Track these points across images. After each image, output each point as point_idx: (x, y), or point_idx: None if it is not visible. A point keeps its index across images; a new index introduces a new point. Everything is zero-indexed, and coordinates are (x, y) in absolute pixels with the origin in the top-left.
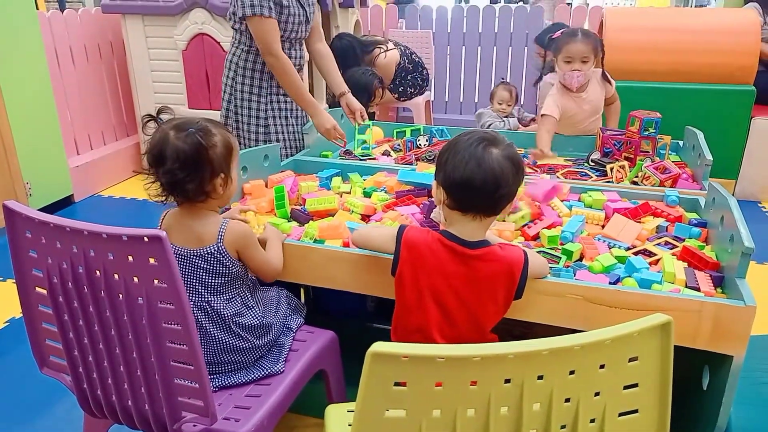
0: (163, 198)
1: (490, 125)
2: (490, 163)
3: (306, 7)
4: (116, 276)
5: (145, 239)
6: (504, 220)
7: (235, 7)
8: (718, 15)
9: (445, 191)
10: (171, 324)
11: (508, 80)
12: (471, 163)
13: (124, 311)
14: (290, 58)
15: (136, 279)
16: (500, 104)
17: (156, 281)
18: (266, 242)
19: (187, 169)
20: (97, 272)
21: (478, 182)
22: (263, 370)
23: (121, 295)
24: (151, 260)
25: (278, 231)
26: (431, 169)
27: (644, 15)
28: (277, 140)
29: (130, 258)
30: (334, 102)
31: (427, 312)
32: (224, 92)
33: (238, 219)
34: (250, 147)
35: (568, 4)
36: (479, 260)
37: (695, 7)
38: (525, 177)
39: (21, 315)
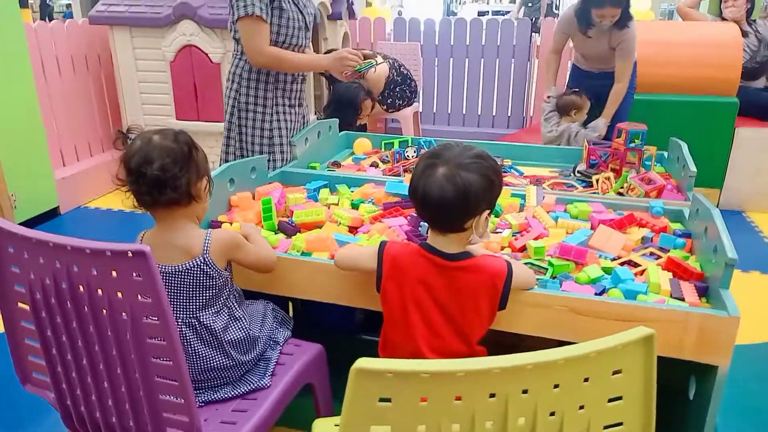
0: (145, 209)
1: (576, 134)
2: (432, 184)
3: (305, 14)
4: (100, 291)
5: (129, 254)
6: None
7: (233, 16)
8: (702, 29)
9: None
10: (155, 339)
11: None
12: (420, 182)
13: (107, 327)
14: None
15: (119, 294)
16: (575, 114)
17: (140, 296)
18: (248, 238)
19: (178, 165)
20: (81, 287)
21: (419, 201)
22: (249, 385)
23: (104, 311)
24: (135, 275)
25: (253, 225)
26: None
27: None
28: (281, 152)
29: (114, 273)
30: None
31: (412, 325)
32: (227, 104)
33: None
34: None
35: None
36: (461, 271)
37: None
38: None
39: (3, 330)
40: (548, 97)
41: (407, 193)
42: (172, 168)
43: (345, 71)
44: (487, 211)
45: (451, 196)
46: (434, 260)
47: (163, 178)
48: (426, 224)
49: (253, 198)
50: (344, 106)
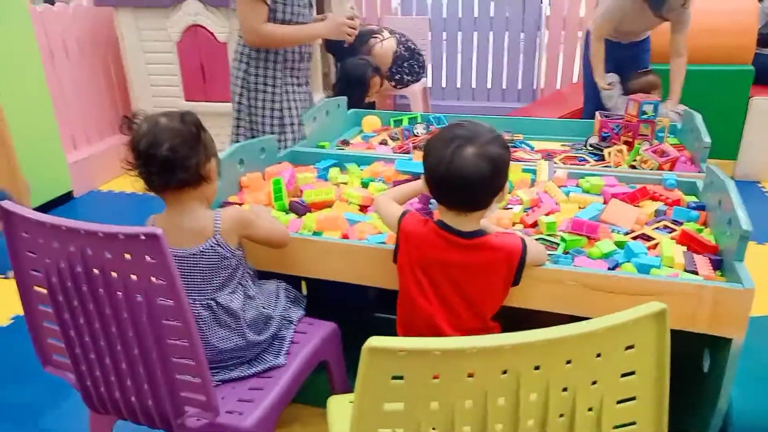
0: (155, 192)
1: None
2: (462, 163)
3: None
4: (114, 274)
5: (142, 237)
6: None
7: None
8: None
9: (427, 185)
10: (171, 321)
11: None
12: (443, 163)
13: (123, 309)
14: (300, 46)
15: (134, 277)
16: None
17: (154, 279)
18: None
19: (188, 146)
20: (95, 271)
21: (450, 182)
22: (265, 363)
23: (120, 293)
24: (148, 258)
25: (262, 207)
26: None
27: None
28: (292, 131)
29: (128, 256)
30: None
31: (428, 301)
32: (235, 85)
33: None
34: None
35: None
36: (475, 249)
37: None
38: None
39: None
40: (609, 84)
41: (429, 177)
42: (181, 149)
43: (347, 36)
44: (507, 186)
45: (489, 172)
46: (449, 238)
47: (172, 159)
48: (437, 203)
49: (263, 178)
50: (352, 83)
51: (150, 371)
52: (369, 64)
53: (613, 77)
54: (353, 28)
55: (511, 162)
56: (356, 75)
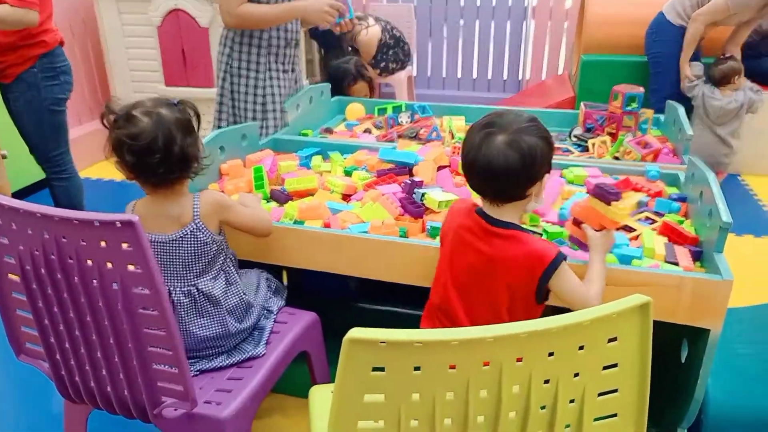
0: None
1: (754, 103)
2: (490, 151)
3: None
4: (89, 262)
5: (118, 224)
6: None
7: None
8: None
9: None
10: (147, 310)
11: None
12: (472, 149)
13: (98, 297)
14: (285, 31)
15: (109, 264)
16: (737, 79)
17: (130, 266)
18: (244, 205)
19: (192, 135)
20: (70, 258)
21: (477, 170)
22: (244, 353)
23: (95, 281)
24: (125, 245)
25: (251, 195)
26: (413, 146)
27: None
28: (275, 118)
29: (103, 243)
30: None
31: (448, 278)
32: (219, 69)
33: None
34: None
35: None
36: (499, 239)
37: None
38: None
39: None
40: (695, 75)
41: (462, 166)
42: (190, 139)
43: (324, 22)
44: (547, 175)
45: (517, 162)
46: (479, 222)
47: (186, 154)
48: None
49: (244, 166)
50: (334, 86)
51: (125, 361)
52: (350, 71)
53: (699, 67)
54: (334, 18)
55: (553, 150)
56: (336, 79)
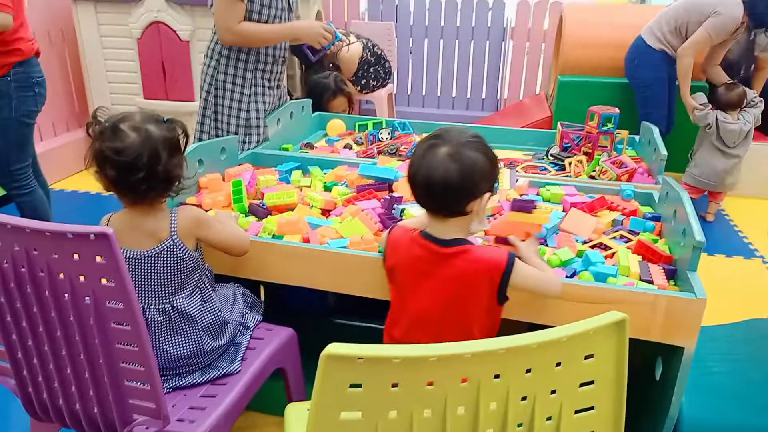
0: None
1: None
2: (435, 164)
3: None
4: (61, 275)
5: (92, 237)
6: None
7: None
8: None
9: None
10: (120, 324)
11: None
12: (416, 161)
13: (70, 311)
14: (275, 48)
15: (82, 278)
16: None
17: (104, 280)
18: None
19: (181, 157)
20: (41, 271)
21: (419, 182)
22: (219, 370)
23: (66, 295)
24: (98, 258)
25: (229, 213)
26: (392, 162)
27: (603, 11)
28: (257, 134)
29: (76, 256)
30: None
31: (410, 313)
32: (203, 81)
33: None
34: None
35: None
36: (455, 258)
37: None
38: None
39: None
40: (702, 104)
41: (407, 178)
42: (176, 158)
43: (317, 43)
44: (488, 194)
45: (456, 174)
46: (429, 247)
47: (170, 172)
48: (407, 208)
49: (223, 179)
50: (314, 101)
51: (96, 377)
52: (329, 87)
53: (702, 97)
54: (328, 40)
55: (496, 170)
56: (315, 94)
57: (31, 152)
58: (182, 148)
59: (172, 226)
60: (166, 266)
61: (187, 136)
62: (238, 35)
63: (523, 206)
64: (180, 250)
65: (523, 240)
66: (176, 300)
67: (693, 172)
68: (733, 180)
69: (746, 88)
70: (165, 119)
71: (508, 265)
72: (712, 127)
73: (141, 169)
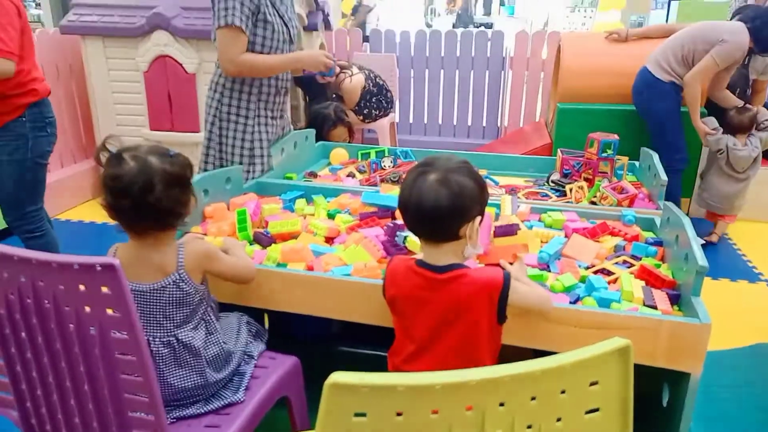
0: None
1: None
2: (426, 190)
3: (290, 26)
4: (67, 307)
5: (98, 268)
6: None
7: (214, 25)
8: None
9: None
10: (125, 355)
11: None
12: (406, 189)
13: (75, 342)
14: (276, 80)
15: (87, 309)
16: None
17: (109, 311)
18: (228, 251)
19: (180, 189)
20: (47, 303)
21: (410, 208)
22: (223, 400)
23: (71, 326)
24: (104, 289)
25: (235, 240)
26: (395, 190)
27: (599, 40)
28: (261, 164)
29: (82, 287)
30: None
31: (413, 340)
32: (208, 114)
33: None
34: None
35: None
36: (451, 283)
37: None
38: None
39: None
40: (713, 129)
41: (398, 207)
42: (176, 194)
43: (321, 67)
44: (479, 218)
45: (447, 199)
46: (425, 275)
47: (166, 205)
48: (410, 235)
49: (228, 209)
50: (316, 130)
51: (100, 408)
52: (330, 117)
53: (713, 121)
54: (329, 66)
55: (485, 194)
56: (317, 124)
57: (43, 194)
58: (186, 184)
59: (180, 260)
60: (172, 300)
61: (191, 172)
62: (241, 66)
63: (507, 231)
64: (186, 284)
65: (512, 263)
66: (181, 333)
67: (704, 196)
68: (741, 202)
69: (762, 108)
70: (171, 153)
71: (505, 282)
72: (723, 152)
73: (131, 197)
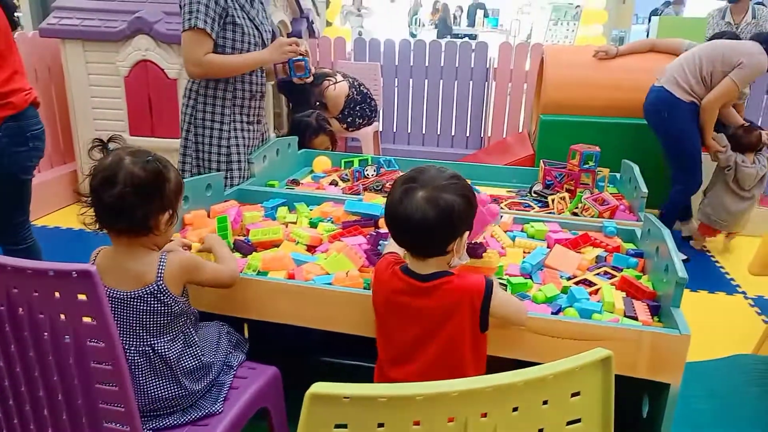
0: (98, 228)
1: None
2: (413, 208)
3: (261, 30)
4: (41, 315)
5: (74, 275)
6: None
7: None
8: (651, 54)
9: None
10: (101, 364)
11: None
12: (400, 208)
13: (49, 351)
14: (251, 84)
15: (63, 316)
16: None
17: (86, 319)
18: (211, 251)
19: (139, 196)
20: (21, 310)
21: (397, 224)
22: (201, 411)
23: (46, 334)
24: (81, 296)
25: (218, 237)
26: (378, 199)
27: (582, 53)
28: (239, 169)
29: (57, 294)
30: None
31: (396, 348)
32: (183, 121)
33: (177, 248)
34: None
35: None
36: (435, 291)
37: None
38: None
39: None
40: (723, 146)
41: (385, 219)
42: (129, 198)
43: (289, 54)
44: (467, 232)
45: (434, 219)
46: (410, 282)
47: (119, 206)
48: (397, 247)
49: (209, 216)
50: (298, 138)
51: (74, 419)
52: (311, 125)
53: (723, 138)
54: (294, 51)
55: (474, 207)
56: (298, 131)
57: (28, 206)
58: (150, 193)
59: (160, 271)
60: (149, 310)
61: (160, 179)
62: (205, 67)
63: (474, 251)
64: (164, 295)
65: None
66: (157, 344)
67: (706, 211)
68: (745, 221)
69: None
70: (148, 159)
71: (487, 288)
72: (731, 168)
73: (94, 190)
